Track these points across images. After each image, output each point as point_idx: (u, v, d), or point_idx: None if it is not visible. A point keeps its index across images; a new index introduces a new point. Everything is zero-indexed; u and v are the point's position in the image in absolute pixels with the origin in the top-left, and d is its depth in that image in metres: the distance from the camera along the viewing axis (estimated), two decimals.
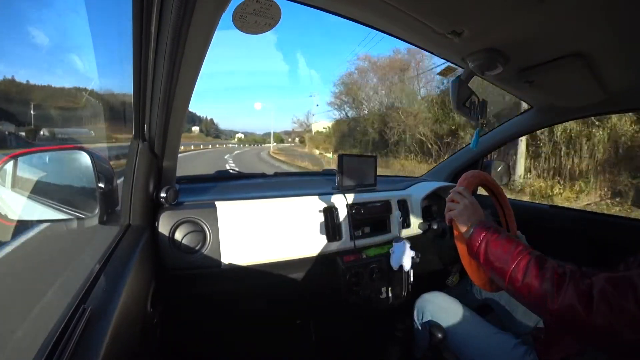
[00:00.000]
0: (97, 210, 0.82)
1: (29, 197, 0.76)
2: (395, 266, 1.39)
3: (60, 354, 0.44)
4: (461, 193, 0.96)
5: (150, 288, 0.88)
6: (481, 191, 1.27)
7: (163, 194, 1.01)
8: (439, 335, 1.08)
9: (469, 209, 0.92)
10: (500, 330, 1.06)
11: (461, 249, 0.94)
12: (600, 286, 0.62)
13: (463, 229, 0.91)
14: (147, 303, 0.83)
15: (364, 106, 20.27)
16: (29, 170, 0.77)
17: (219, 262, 1.07)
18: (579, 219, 1.55)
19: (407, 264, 1.39)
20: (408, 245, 1.42)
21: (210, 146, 48.50)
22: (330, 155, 22.27)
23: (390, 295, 1.46)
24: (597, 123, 7.60)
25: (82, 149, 0.84)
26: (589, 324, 0.61)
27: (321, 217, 1.28)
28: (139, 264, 0.78)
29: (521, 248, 0.77)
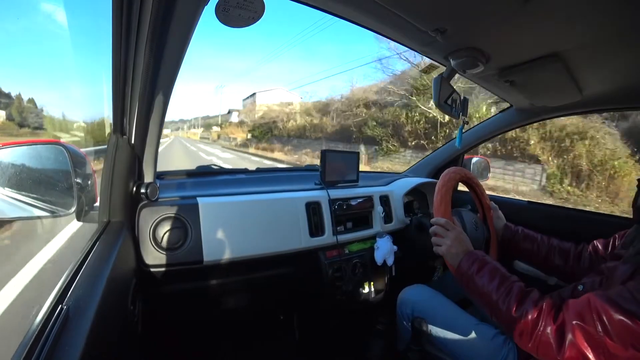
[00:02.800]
0: (74, 207, 0.79)
1: (2, 194, 0.73)
2: (379, 261, 1.41)
3: (39, 354, 0.42)
4: (444, 226, 1.00)
5: (131, 285, 0.87)
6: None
7: (143, 190, 0.99)
8: (422, 327, 1.10)
9: (455, 243, 0.97)
10: (480, 321, 1.09)
11: (452, 271, 0.98)
12: (571, 323, 0.66)
13: (451, 263, 0.96)
14: (128, 301, 0.81)
15: None
16: (2, 165, 0.74)
17: (201, 258, 1.06)
18: (554, 214, 1.60)
19: (390, 259, 1.42)
20: (391, 240, 1.44)
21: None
22: None
23: (373, 289, 1.48)
24: None
25: (57, 142, 0.82)
26: (561, 359, 0.66)
27: (303, 213, 1.29)
28: (119, 262, 0.77)
29: (504, 282, 0.82)
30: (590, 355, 0.63)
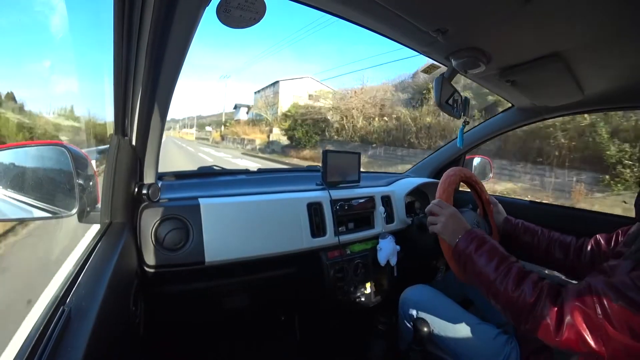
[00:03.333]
0: (76, 208, 0.80)
1: (4, 195, 0.73)
2: (383, 262, 1.41)
3: (40, 356, 0.42)
4: (440, 205, 0.99)
5: (133, 286, 0.87)
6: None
7: (145, 191, 0.98)
8: (424, 328, 1.09)
9: (450, 222, 0.96)
10: (482, 321, 1.09)
11: (446, 252, 0.97)
12: (571, 305, 0.66)
13: (449, 241, 0.95)
14: (130, 302, 0.81)
15: None
16: (4, 166, 0.75)
17: (203, 259, 1.06)
18: (557, 214, 1.60)
19: (393, 259, 1.41)
20: (394, 240, 1.43)
21: None
22: None
23: (374, 290, 1.48)
24: None
25: (59, 144, 0.82)
26: (559, 340, 0.66)
27: (305, 213, 1.28)
28: (121, 263, 0.77)
29: (503, 261, 0.82)
30: (588, 338, 0.63)
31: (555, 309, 0.68)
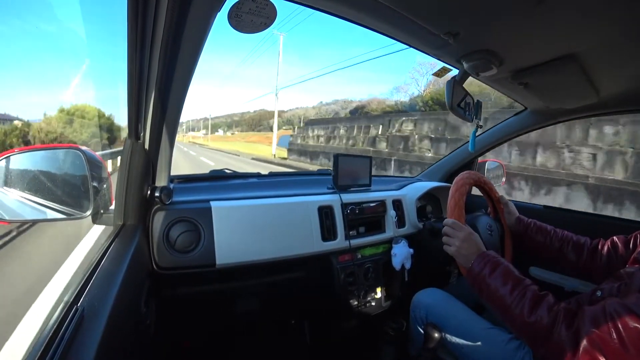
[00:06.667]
0: (90, 210, 0.81)
1: (21, 197, 0.75)
2: (398, 267, 1.40)
3: (53, 354, 0.43)
4: (453, 227, 0.99)
5: (144, 288, 0.88)
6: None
7: (157, 193, 1.00)
8: (435, 333, 1.08)
9: (464, 246, 0.96)
10: (494, 325, 1.07)
11: (464, 273, 0.97)
12: (586, 330, 0.65)
13: (463, 264, 0.95)
14: (141, 303, 0.82)
15: None
16: (21, 169, 0.77)
17: (213, 261, 1.07)
18: (571, 219, 1.57)
19: (408, 263, 1.41)
20: (407, 244, 1.43)
21: None
22: None
23: (385, 294, 1.47)
24: None
25: (75, 147, 0.84)
26: None
27: (316, 217, 1.28)
28: (133, 264, 0.78)
29: (517, 285, 0.81)
30: (602, 356, 0.62)
31: (571, 334, 0.67)
